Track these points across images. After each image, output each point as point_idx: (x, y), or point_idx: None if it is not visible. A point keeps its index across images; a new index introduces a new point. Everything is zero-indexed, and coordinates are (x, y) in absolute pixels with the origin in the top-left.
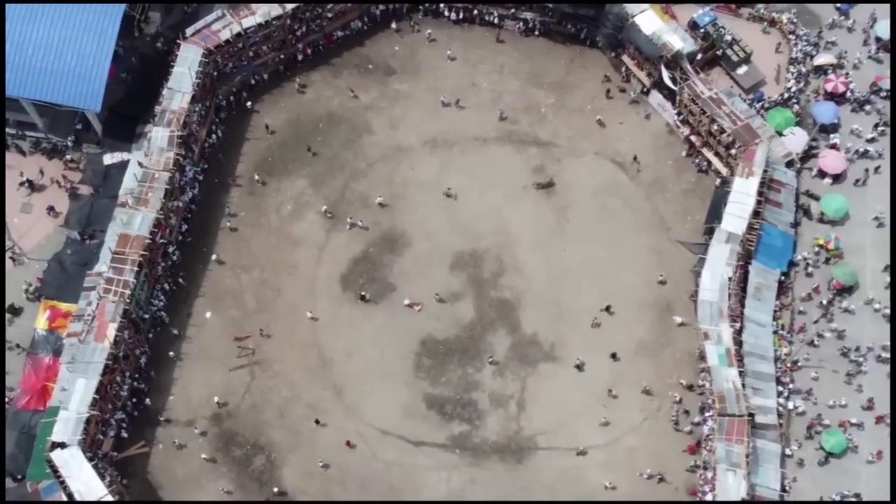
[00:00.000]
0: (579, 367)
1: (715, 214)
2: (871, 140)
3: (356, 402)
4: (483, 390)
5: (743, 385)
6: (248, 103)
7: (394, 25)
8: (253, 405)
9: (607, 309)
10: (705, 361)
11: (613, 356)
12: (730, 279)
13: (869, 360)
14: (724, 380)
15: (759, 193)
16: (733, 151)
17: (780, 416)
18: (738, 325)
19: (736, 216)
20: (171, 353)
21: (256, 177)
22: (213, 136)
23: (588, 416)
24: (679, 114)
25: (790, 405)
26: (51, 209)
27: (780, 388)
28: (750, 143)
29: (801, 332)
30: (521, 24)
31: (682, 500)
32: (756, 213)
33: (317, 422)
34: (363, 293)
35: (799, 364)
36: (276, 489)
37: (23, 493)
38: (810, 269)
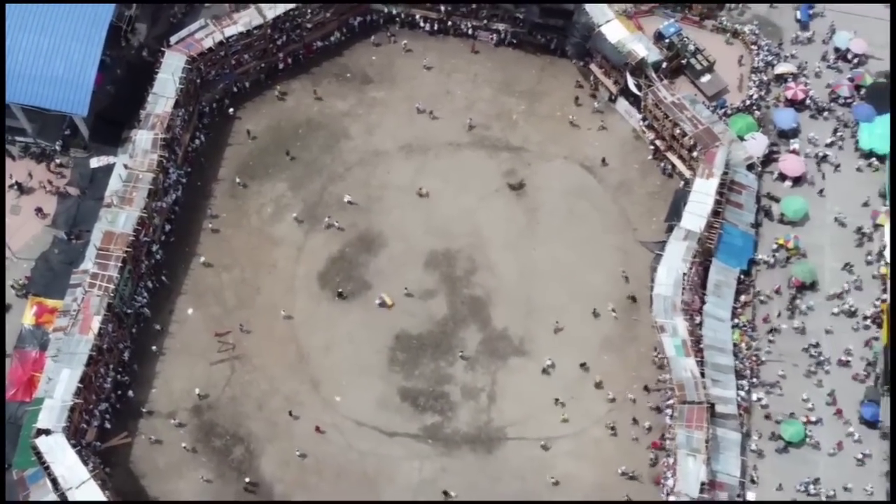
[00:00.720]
0: (546, 371)
1: (675, 213)
2: (830, 144)
3: (332, 394)
4: (455, 383)
5: (702, 374)
6: (231, 110)
7: (372, 37)
8: (233, 398)
9: (593, 313)
10: (663, 353)
11: (583, 366)
12: (685, 275)
13: (827, 355)
14: (683, 369)
15: (720, 194)
16: (695, 154)
17: (742, 408)
18: (698, 319)
19: (695, 215)
20: (154, 348)
21: (238, 179)
22: (196, 140)
23: (556, 408)
24: (644, 119)
25: (753, 397)
26: (39, 210)
27: (744, 382)
28: (711, 146)
29: (766, 321)
30: (494, 35)
31: (647, 488)
32: (716, 213)
33: (290, 413)
34: (340, 290)
35: (762, 358)
36: (247, 479)
37: (9, 481)
38: (771, 266)
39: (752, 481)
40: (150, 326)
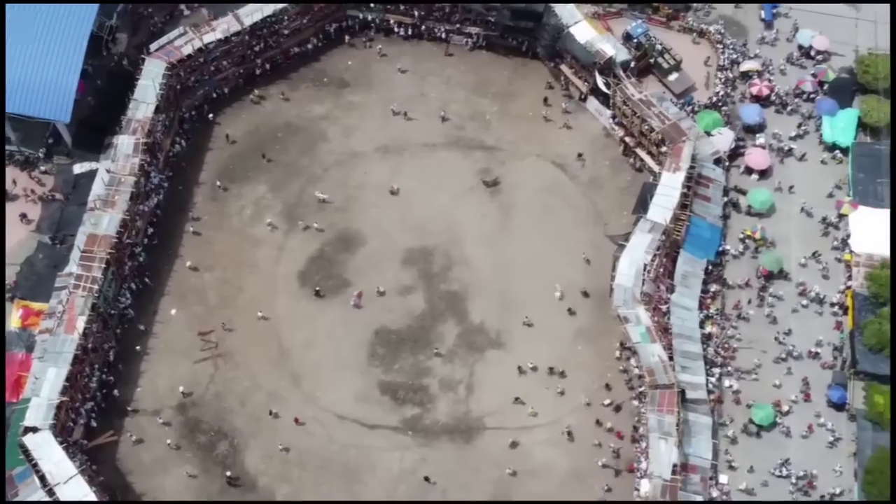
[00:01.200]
0: (523, 371)
1: (642, 205)
2: (794, 138)
3: (314, 389)
4: (434, 376)
5: (671, 359)
6: (210, 115)
7: (347, 41)
8: (216, 394)
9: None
10: (629, 341)
11: (551, 370)
12: (646, 266)
13: (795, 342)
14: (650, 354)
15: (687, 187)
16: (664, 149)
17: (715, 396)
18: (665, 308)
19: (661, 207)
20: (138, 348)
21: (218, 183)
22: (177, 145)
23: (532, 398)
24: (614, 116)
25: (725, 384)
26: (23, 216)
27: (716, 370)
28: (678, 141)
29: (736, 308)
30: (467, 38)
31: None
32: (684, 206)
33: (271, 413)
34: (317, 288)
35: (734, 346)
36: (228, 473)
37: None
38: (736, 258)
39: (731, 467)
40: (135, 327)
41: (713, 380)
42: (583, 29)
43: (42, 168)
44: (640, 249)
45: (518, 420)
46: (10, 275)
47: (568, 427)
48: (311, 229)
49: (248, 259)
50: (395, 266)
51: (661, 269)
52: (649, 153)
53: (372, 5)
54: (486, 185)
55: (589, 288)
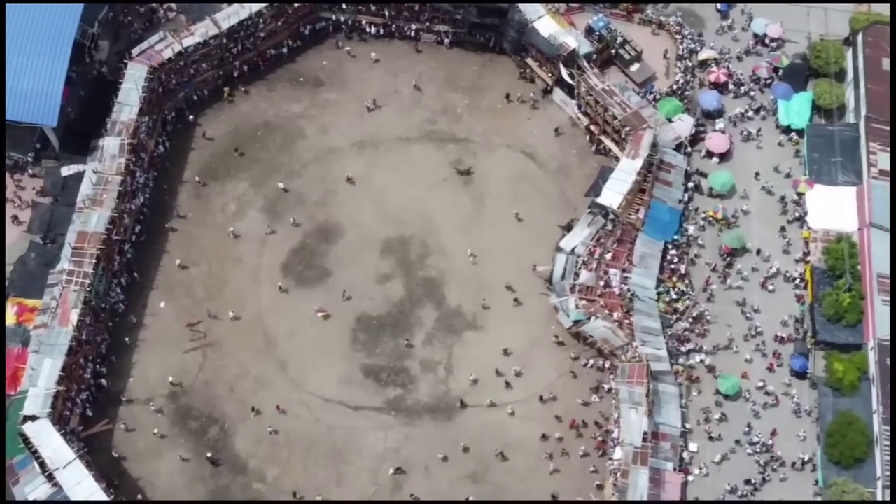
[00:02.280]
0: (506, 352)
1: (594, 189)
2: (748, 118)
3: (299, 374)
4: (414, 358)
5: (632, 337)
6: (191, 116)
7: (320, 41)
8: (206, 382)
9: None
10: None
11: (505, 351)
12: (585, 255)
13: (759, 314)
14: (596, 327)
15: (647, 172)
16: (624, 136)
17: (684, 371)
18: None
19: (613, 191)
20: (129, 340)
21: (197, 178)
22: (161, 146)
23: (507, 376)
24: (579, 106)
25: (697, 359)
26: (14, 218)
27: (692, 345)
28: (638, 128)
29: (708, 284)
30: (436, 35)
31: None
32: (642, 191)
33: (252, 409)
34: (280, 285)
35: (707, 318)
36: (209, 454)
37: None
38: (693, 239)
39: (710, 438)
40: (125, 320)
41: (683, 357)
42: (546, 23)
43: (31, 171)
44: (579, 238)
45: (496, 397)
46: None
47: (542, 400)
48: (292, 223)
49: (233, 253)
50: (375, 255)
51: (611, 253)
52: (613, 140)
53: (344, 6)
54: (459, 173)
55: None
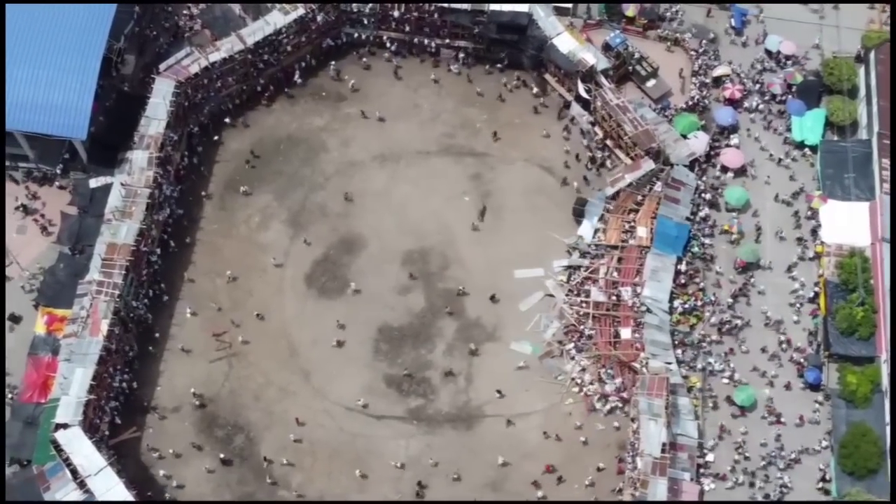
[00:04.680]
0: (521, 367)
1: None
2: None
3: (322, 384)
4: (435, 368)
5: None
6: (216, 130)
7: (343, 56)
8: (231, 391)
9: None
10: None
11: (542, 358)
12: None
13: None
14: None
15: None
16: (635, 156)
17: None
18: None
19: (588, 223)
20: (155, 349)
21: (226, 193)
22: (186, 159)
23: (527, 386)
24: (594, 123)
25: (712, 368)
26: (44, 229)
27: (707, 355)
28: (647, 146)
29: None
30: (455, 51)
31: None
32: (634, 211)
33: (297, 420)
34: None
35: (737, 324)
36: (221, 455)
37: (28, 476)
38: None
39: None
40: (152, 330)
41: (699, 366)
42: (565, 40)
43: (59, 183)
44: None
45: (515, 407)
46: (35, 283)
47: (562, 410)
48: (311, 238)
49: (257, 264)
50: (395, 267)
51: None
52: (628, 155)
53: (366, 22)
54: (481, 215)
55: None
